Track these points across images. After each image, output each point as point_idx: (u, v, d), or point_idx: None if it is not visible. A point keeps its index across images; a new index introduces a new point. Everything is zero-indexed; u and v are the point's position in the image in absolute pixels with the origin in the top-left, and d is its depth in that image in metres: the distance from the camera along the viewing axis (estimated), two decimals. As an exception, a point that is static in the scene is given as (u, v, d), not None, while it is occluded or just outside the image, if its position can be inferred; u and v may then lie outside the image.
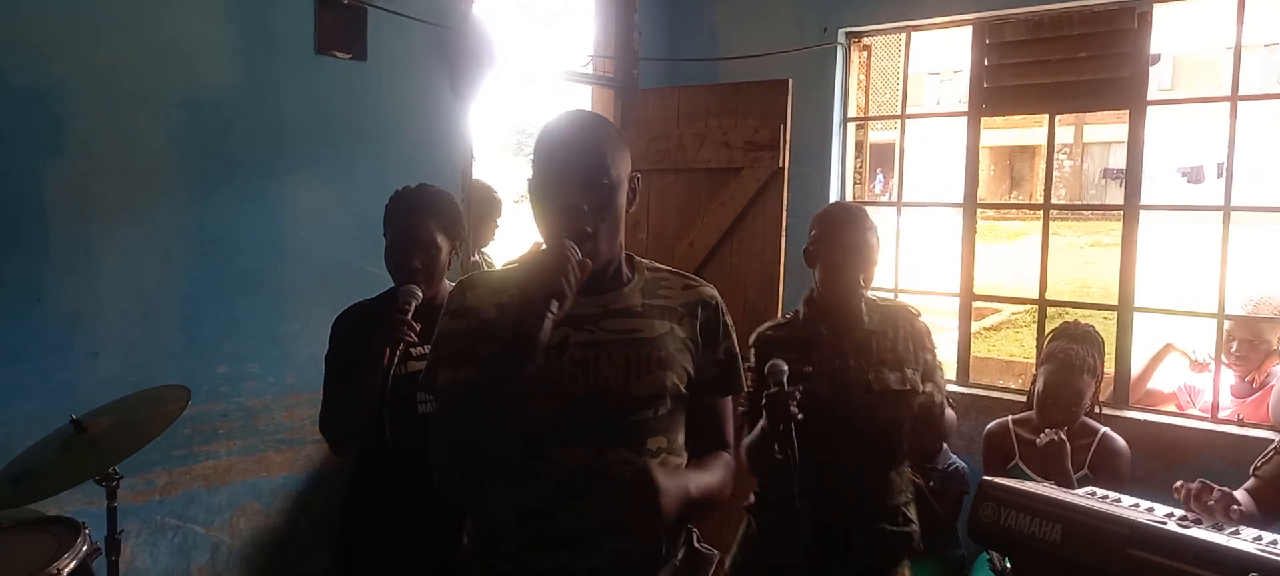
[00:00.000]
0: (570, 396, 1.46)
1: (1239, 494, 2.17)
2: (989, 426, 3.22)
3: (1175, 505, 2.03)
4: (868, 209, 2.59)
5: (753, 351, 2.50)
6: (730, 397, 1.66)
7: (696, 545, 1.64)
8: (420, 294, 2.14)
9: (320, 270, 3.26)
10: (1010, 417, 3.16)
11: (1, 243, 2.60)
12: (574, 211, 1.47)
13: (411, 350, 2.18)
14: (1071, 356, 2.93)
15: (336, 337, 2.28)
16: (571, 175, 1.48)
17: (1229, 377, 3.49)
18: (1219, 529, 1.87)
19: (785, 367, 1.83)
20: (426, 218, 2.24)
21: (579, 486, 1.49)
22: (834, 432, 2.32)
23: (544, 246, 1.49)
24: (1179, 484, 2.11)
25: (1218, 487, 2.07)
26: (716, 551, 1.67)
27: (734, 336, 1.66)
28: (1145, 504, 2.03)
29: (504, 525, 1.56)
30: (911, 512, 2.51)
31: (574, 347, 1.48)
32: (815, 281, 2.49)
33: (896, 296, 4.27)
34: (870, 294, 2.51)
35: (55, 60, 2.66)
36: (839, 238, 2.42)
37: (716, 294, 1.66)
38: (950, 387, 3.51)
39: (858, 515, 2.41)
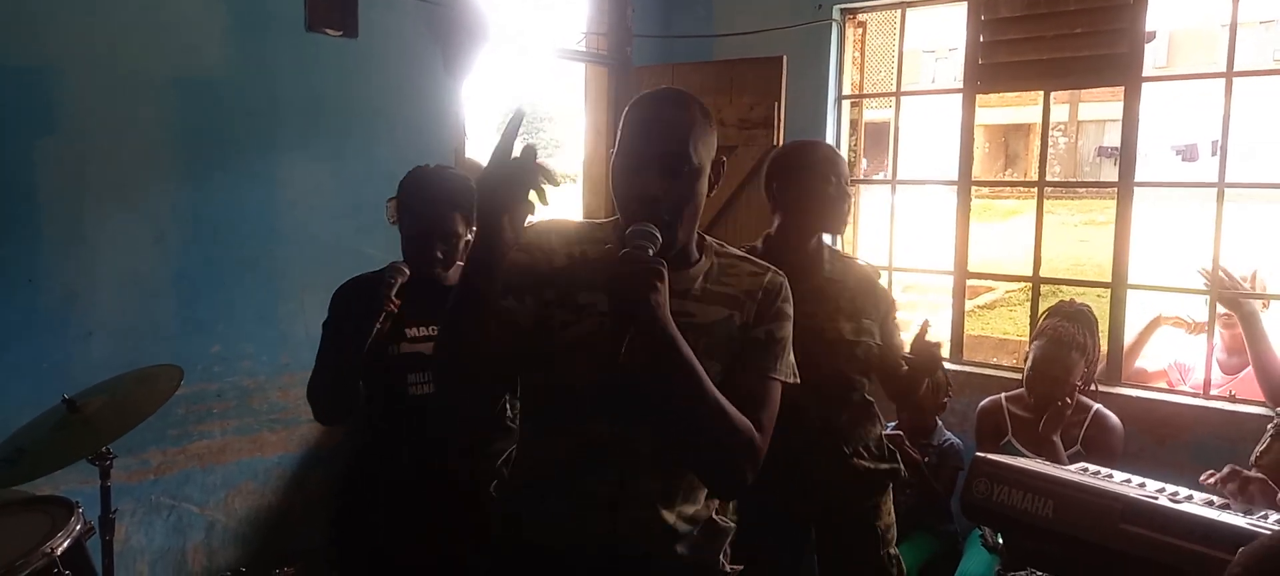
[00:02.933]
0: (614, 366, 1.41)
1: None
2: (982, 403, 3.24)
3: (1167, 480, 2.04)
4: (834, 153, 2.51)
5: None
6: (770, 382, 1.53)
7: (714, 517, 1.64)
8: (407, 272, 2.14)
9: (314, 250, 3.25)
10: (1003, 395, 3.18)
11: (-8, 223, 2.59)
12: (651, 201, 1.44)
13: (405, 331, 2.17)
14: (1061, 333, 2.95)
15: (333, 308, 2.27)
16: (649, 161, 1.45)
17: (1220, 352, 3.50)
18: (1249, 513, 1.87)
19: (649, 233, 1.41)
20: (450, 209, 2.21)
21: (603, 456, 1.49)
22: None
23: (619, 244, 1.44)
24: (1208, 475, 2.09)
25: (1248, 472, 2.07)
26: (733, 524, 1.66)
27: (787, 322, 1.57)
28: (1137, 479, 2.04)
29: (526, 479, 1.58)
30: (885, 449, 2.50)
31: (611, 321, 1.43)
32: (773, 224, 2.44)
33: (891, 274, 4.28)
34: (832, 245, 2.48)
35: (47, 40, 2.64)
36: (795, 182, 2.36)
37: (782, 279, 1.60)
38: (945, 365, 3.55)
39: (822, 456, 2.39)
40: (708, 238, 1.62)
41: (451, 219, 2.20)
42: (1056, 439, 2.86)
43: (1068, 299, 3.18)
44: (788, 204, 2.38)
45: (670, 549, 1.55)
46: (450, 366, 1.49)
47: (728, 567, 1.65)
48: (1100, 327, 3.17)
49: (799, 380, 1.60)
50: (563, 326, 1.49)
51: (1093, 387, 3.04)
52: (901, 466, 2.52)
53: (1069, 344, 2.93)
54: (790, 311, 1.58)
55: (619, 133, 1.51)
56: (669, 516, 1.54)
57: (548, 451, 1.55)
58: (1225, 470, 2.07)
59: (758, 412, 1.49)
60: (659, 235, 1.40)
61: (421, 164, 2.33)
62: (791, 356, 1.58)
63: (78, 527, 2.12)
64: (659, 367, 1.39)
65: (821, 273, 2.38)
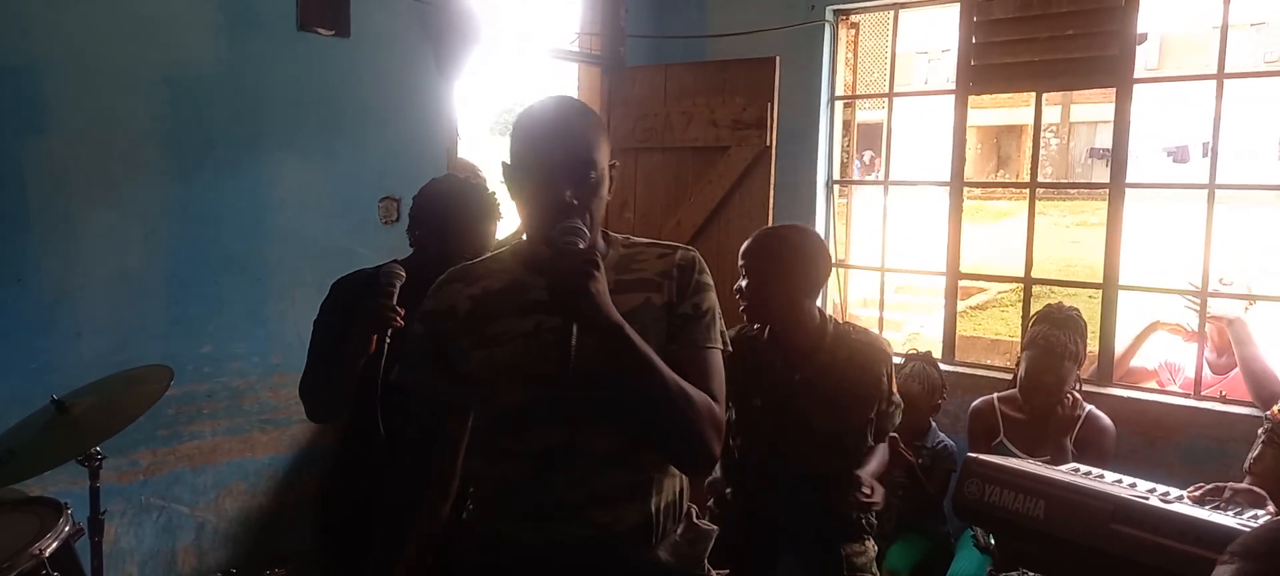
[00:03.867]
0: (544, 380, 1.44)
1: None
2: (974, 404, 3.24)
3: (1157, 481, 2.05)
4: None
5: None
6: (708, 352, 1.55)
7: (696, 520, 1.64)
8: (403, 274, 2.13)
9: (305, 249, 3.24)
10: (996, 395, 3.19)
11: (-20, 222, 2.57)
12: (563, 207, 1.45)
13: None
14: (1052, 343, 2.96)
15: (333, 307, 2.25)
16: (558, 169, 1.47)
17: (1209, 353, 3.52)
18: (1239, 513, 1.88)
19: (577, 228, 1.44)
20: (488, 222, 2.22)
21: (557, 463, 1.50)
22: (773, 461, 2.35)
23: (526, 237, 1.50)
24: (1194, 489, 2.09)
25: (1234, 486, 2.08)
26: (716, 527, 1.66)
27: (708, 292, 1.59)
28: (1128, 480, 2.04)
29: (488, 501, 1.59)
30: (868, 522, 2.48)
31: (547, 331, 1.46)
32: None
33: (883, 276, 4.29)
34: (837, 324, 2.42)
35: (34, 37, 2.62)
36: (764, 275, 2.33)
37: (693, 254, 1.62)
38: (939, 366, 3.55)
39: (797, 522, 2.41)
40: (612, 232, 1.64)
41: (489, 232, 2.23)
42: (1066, 441, 2.87)
43: (1057, 302, 3.19)
44: (762, 296, 2.36)
45: (652, 552, 1.55)
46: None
47: (711, 571, 1.64)
48: (1090, 328, 3.18)
49: (732, 348, 1.63)
50: (482, 362, 1.52)
51: (1078, 387, 3.05)
52: (872, 512, 2.48)
53: (1062, 354, 2.93)
54: (710, 282, 1.60)
55: (515, 144, 1.53)
56: (642, 511, 1.54)
57: (504, 473, 1.55)
58: (1210, 486, 2.08)
59: (707, 383, 1.52)
60: (585, 230, 1.43)
61: (435, 177, 2.32)
62: (721, 325, 1.60)
63: (67, 529, 2.11)
64: (610, 356, 1.40)
65: (817, 361, 2.35)
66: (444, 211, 2.21)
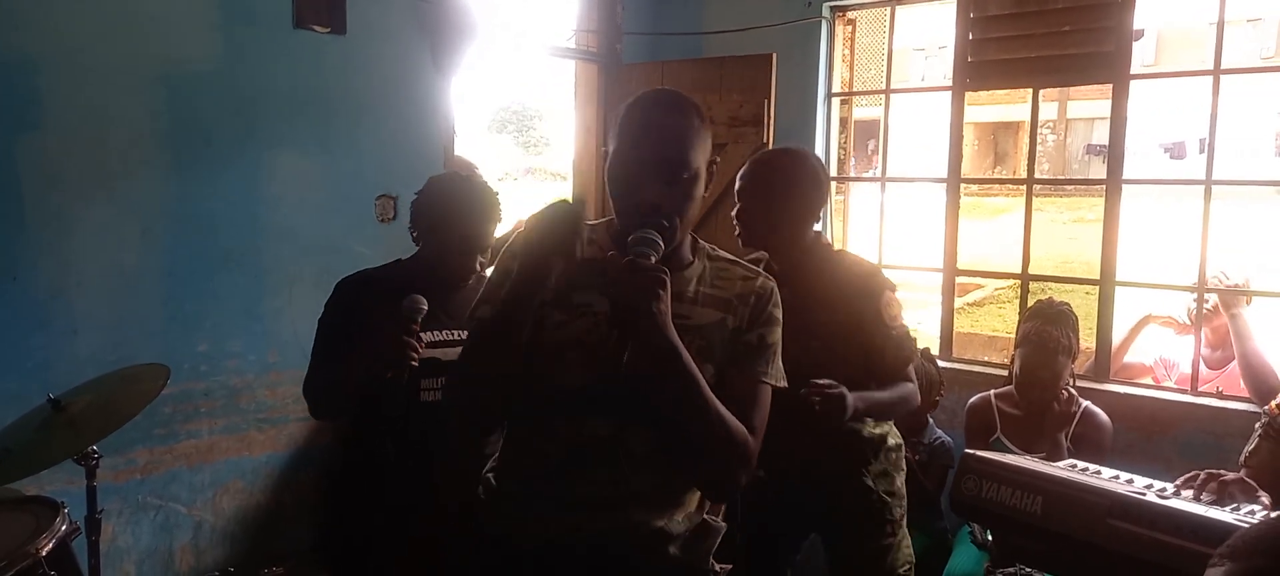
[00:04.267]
0: (600, 367, 1.44)
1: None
2: (971, 400, 3.24)
3: (1154, 476, 2.05)
4: (819, 165, 2.43)
5: None
6: (762, 385, 1.55)
7: (706, 516, 1.64)
8: (425, 306, 2.08)
9: (301, 247, 3.23)
10: (993, 392, 3.19)
11: (-25, 220, 2.56)
12: (651, 207, 1.44)
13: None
14: (1045, 338, 2.97)
15: (337, 306, 2.22)
16: (650, 166, 1.46)
17: (1204, 349, 3.52)
18: (1236, 508, 1.88)
19: (652, 240, 1.43)
20: (488, 222, 2.21)
21: (596, 456, 1.49)
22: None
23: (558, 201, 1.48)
24: (1185, 478, 2.08)
25: (1226, 475, 2.07)
26: (724, 525, 1.66)
27: (777, 327, 1.58)
28: (1125, 475, 2.04)
29: (519, 480, 1.57)
30: (886, 483, 2.45)
31: (612, 330, 1.44)
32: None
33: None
34: (830, 246, 2.39)
35: (27, 33, 2.61)
36: (754, 200, 2.31)
37: (772, 285, 1.61)
38: (937, 362, 3.55)
39: (806, 492, 2.38)
40: (700, 240, 1.63)
41: (490, 231, 2.22)
42: (1061, 437, 2.88)
43: (1047, 298, 3.20)
44: (754, 222, 2.34)
45: (662, 550, 1.55)
46: (477, 396, 1.52)
47: (716, 568, 1.65)
48: (1088, 324, 3.18)
49: (787, 384, 1.61)
50: (557, 326, 1.49)
51: (1074, 382, 3.05)
52: (893, 505, 2.44)
53: (1055, 349, 2.94)
54: (780, 316, 1.60)
55: (615, 134, 1.51)
56: (661, 518, 1.54)
57: (541, 451, 1.54)
58: (1202, 475, 2.08)
59: (751, 416, 1.51)
60: (661, 242, 1.41)
61: (435, 175, 2.30)
62: (780, 361, 1.60)
63: (63, 528, 2.10)
64: (661, 376, 1.40)
65: (814, 276, 2.33)
66: (444, 210, 2.19)
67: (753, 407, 1.52)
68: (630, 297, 1.35)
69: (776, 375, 1.58)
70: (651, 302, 1.34)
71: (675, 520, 1.56)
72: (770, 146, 3.86)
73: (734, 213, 2.37)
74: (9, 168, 2.62)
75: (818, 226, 2.47)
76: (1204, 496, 1.93)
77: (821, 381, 2.18)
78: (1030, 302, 3.52)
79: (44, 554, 1.99)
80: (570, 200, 1.44)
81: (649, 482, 1.52)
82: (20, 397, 2.37)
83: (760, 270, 1.62)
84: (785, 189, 2.32)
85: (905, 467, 2.52)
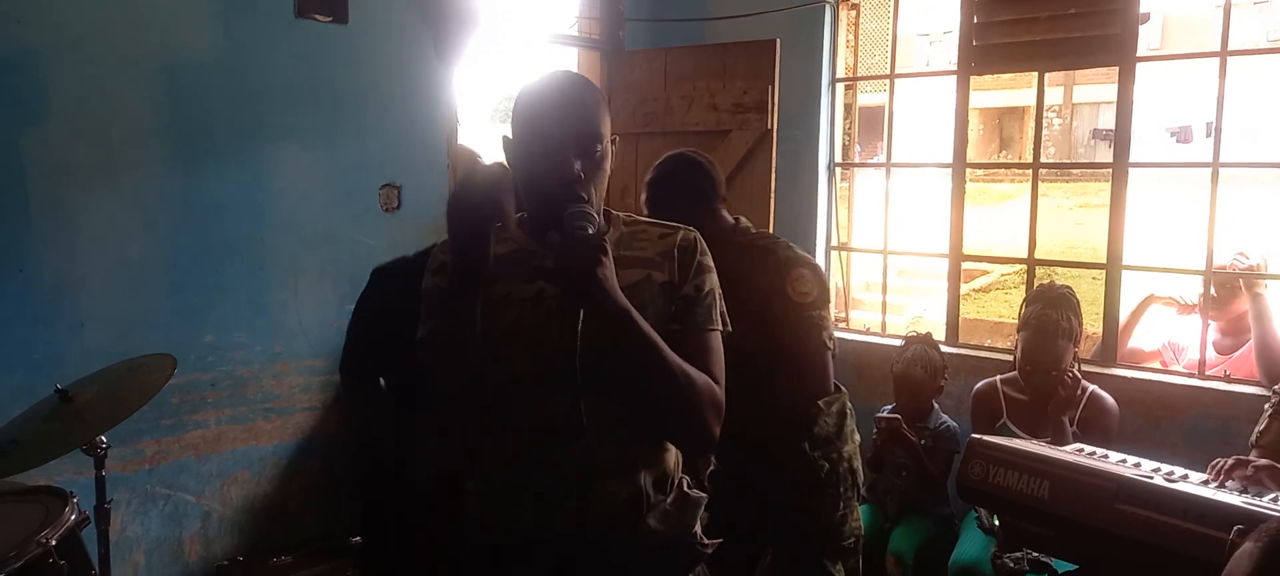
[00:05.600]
0: (544, 350, 1.47)
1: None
2: (977, 386, 3.25)
3: (1161, 460, 2.04)
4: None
5: None
6: (709, 333, 1.57)
7: (686, 489, 1.65)
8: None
9: (306, 237, 3.23)
10: (999, 377, 3.19)
11: (-19, 213, 2.57)
12: (570, 181, 1.46)
13: None
14: (1045, 322, 2.98)
15: (371, 294, 2.21)
16: (565, 143, 1.48)
17: (1214, 334, 3.51)
18: (1245, 491, 1.87)
19: (586, 213, 1.44)
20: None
21: (558, 436, 1.50)
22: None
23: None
24: (1215, 465, 2.08)
25: (1257, 461, 2.07)
26: (705, 495, 1.67)
27: (710, 274, 1.61)
28: (1132, 459, 2.04)
29: (488, 478, 1.58)
30: (828, 449, 2.40)
31: (549, 299, 1.48)
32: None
33: (886, 258, 4.28)
34: (748, 232, 2.42)
35: (29, 26, 2.61)
36: (666, 207, 2.35)
37: (695, 234, 1.63)
38: (941, 348, 3.55)
39: (748, 471, 2.34)
40: (614, 211, 1.65)
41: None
42: (1066, 421, 2.89)
43: (1049, 281, 3.20)
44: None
45: (642, 521, 1.55)
46: (455, 399, 1.51)
47: (704, 539, 1.65)
48: (1094, 309, 3.18)
49: (731, 328, 1.63)
50: (489, 324, 1.50)
51: (1077, 366, 3.05)
52: (834, 470, 2.39)
53: (1055, 332, 2.96)
54: (711, 263, 1.62)
55: (519, 118, 1.53)
56: (634, 484, 1.54)
57: (505, 442, 1.55)
58: (1231, 460, 2.07)
59: (708, 365, 1.54)
60: (594, 215, 1.44)
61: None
62: (722, 305, 1.62)
63: (72, 518, 2.11)
64: (618, 341, 1.42)
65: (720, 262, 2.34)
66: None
67: (708, 357, 1.55)
68: (577, 268, 1.36)
69: (720, 320, 1.60)
70: (596, 268, 1.36)
71: (650, 484, 1.56)
72: (774, 132, 3.85)
73: None
74: (14, 161, 2.62)
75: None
76: (1229, 483, 1.92)
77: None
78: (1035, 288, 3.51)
79: (53, 543, 2.00)
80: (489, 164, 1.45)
81: (615, 453, 1.53)
82: (28, 389, 2.38)
83: (679, 226, 1.63)
84: (678, 187, 2.40)
85: (854, 433, 2.46)
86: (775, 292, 2.32)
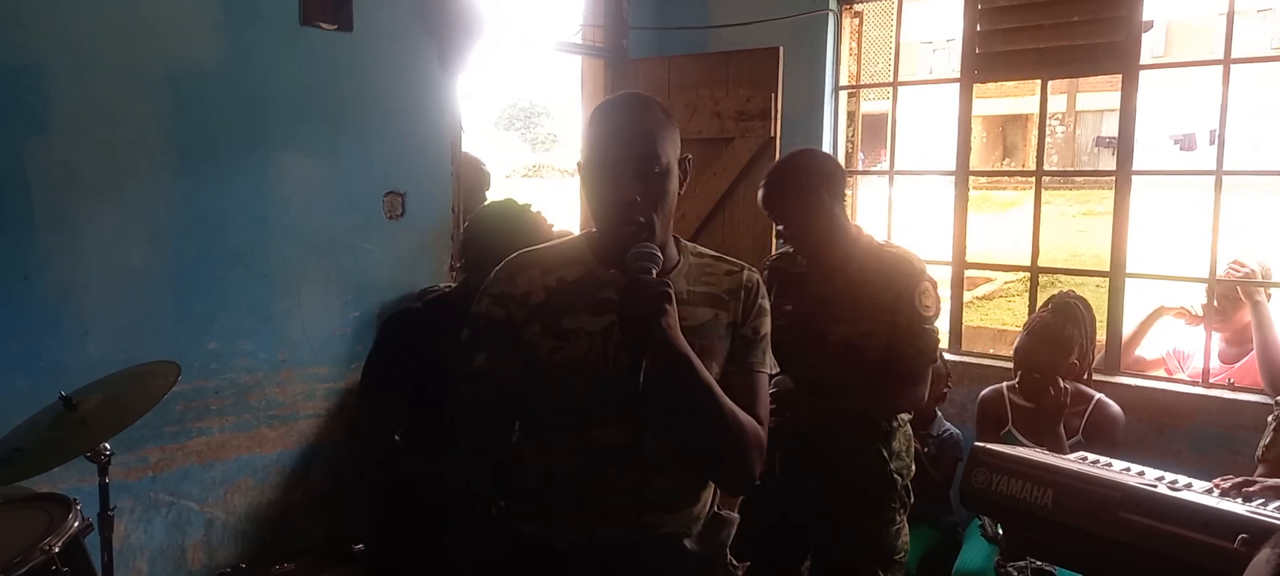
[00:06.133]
0: (611, 381, 1.46)
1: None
2: (983, 393, 3.24)
3: (1165, 469, 2.04)
4: (849, 169, 2.58)
5: (764, 274, 2.53)
6: (759, 375, 1.59)
7: (718, 510, 1.66)
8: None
9: (309, 246, 3.24)
10: (1005, 384, 3.19)
11: (-13, 220, 2.58)
12: (628, 204, 1.46)
13: None
14: (1037, 327, 3.01)
15: (384, 344, 2.21)
16: (624, 165, 1.48)
17: (1218, 343, 3.50)
18: (1249, 500, 1.87)
19: (651, 254, 1.45)
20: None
21: (612, 464, 1.51)
22: (791, 366, 2.34)
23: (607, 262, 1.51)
24: (1219, 482, 2.07)
25: (1264, 482, 2.06)
26: (737, 515, 1.68)
27: (767, 318, 1.63)
28: (1136, 468, 2.04)
29: (533, 491, 1.59)
30: (900, 464, 2.46)
31: (621, 346, 1.45)
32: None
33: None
34: (873, 239, 2.48)
35: (34, 35, 2.62)
36: (779, 212, 2.43)
37: (758, 277, 1.65)
38: (944, 356, 3.54)
39: (820, 469, 2.40)
40: (680, 238, 1.65)
41: None
42: (1059, 429, 2.88)
43: (1068, 290, 3.20)
44: (781, 219, 2.45)
45: (680, 547, 1.57)
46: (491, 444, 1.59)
47: (733, 562, 1.66)
48: (1098, 316, 3.18)
49: (778, 371, 1.66)
50: (552, 352, 1.51)
51: (1087, 376, 3.05)
52: (901, 483, 2.46)
53: (1046, 337, 2.97)
54: (768, 306, 1.64)
55: (586, 141, 1.54)
56: (679, 520, 1.57)
57: (555, 466, 1.56)
58: (1239, 479, 2.06)
59: (755, 407, 1.55)
60: (659, 254, 1.43)
61: (488, 204, 2.29)
62: (770, 350, 1.65)
63: (76, 525, 2.11)
64: (676, 387, 1.43)
65: (845, 274, 2.40)
66: (496, 240, 2.15)
67: (755, 399, 1.56)
68: (639, 314, 1.37)
69: (770, 363, 1.63)
70: (660, 317, 1.37)
71: (691, 519, 1.59)
72: (777, 140, 3.86)
73: (778, 232, 2.51)
74: (19, 170, 2.62)
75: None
76: (1238, 497, 1.91)
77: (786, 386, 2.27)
78: (1040, 296, 3.51)
79: (57, 550, 2.00)
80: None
81: (666, 487, 1.54)
82: (33, 397, 2.38)
83: (744, 264, 1.65)
84: (789, 186, 2.42)
85: (913, 463, 2.52)
86: (904, 301, 2.37)
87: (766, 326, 1.62)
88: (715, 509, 1.66)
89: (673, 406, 1.45)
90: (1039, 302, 3.30)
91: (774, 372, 1.66)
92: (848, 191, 4.46)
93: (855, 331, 2.37)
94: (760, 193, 2.48)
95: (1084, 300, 3.13)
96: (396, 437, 2.30)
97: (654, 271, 1.40)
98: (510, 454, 1.61)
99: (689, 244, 1.65)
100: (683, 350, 1.41)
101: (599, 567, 1.53)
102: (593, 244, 1.59)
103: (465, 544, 2.00)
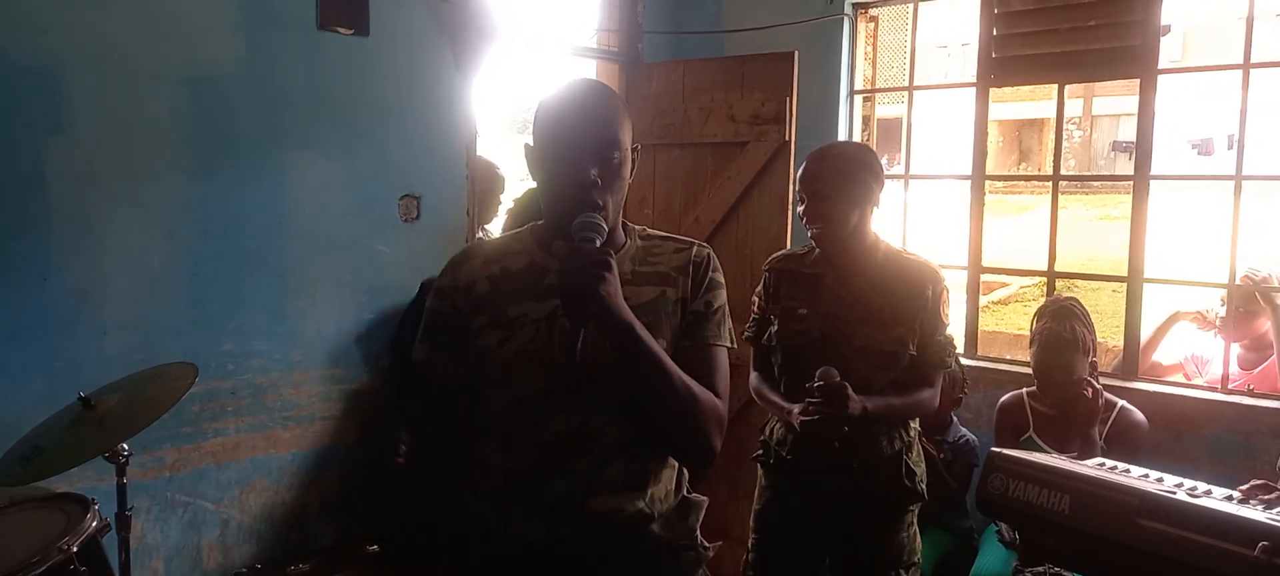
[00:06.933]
0: (559, 366, 1.47)
1: None
2: (1002, 399, 3.22)
3: (1184, 475, 2.02)
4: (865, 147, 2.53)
5: (765, 274, 2.55)
6: (715, 349, 1.58)
7: (687, 493, 1.66)
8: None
9: (325, 247, 3.25)
10: (1025, 390, 3.17)
11: (7, 222, 2.59)
12: (587, 187, 1.47)
13: None
14: (1050, 336, 2.99)
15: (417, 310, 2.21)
16: (583, 149, 1.48)
17: (1237, 348, 3.47)
18: (1270, 506, 1.84)
19: (595, 224, 1.46)
20: None
21: (566, 452, 1.51)
22: (814, 371, 2.34)
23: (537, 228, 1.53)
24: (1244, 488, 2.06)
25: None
26: (705, 498, 1.69)
27: (720, 291, 1.62)
28: (1155, 474, 2.02)
29: (493, 486, 1.59)
30: (909, 465, 2.46)
31: (563, 319, 1.47)
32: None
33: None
34: (891, 246, 2.47)
35: (54, 37, 2.65)
36: (819, 187, 2.38)
37: (707, 251, 1.64)
38: (960, 360, 3.52)
39: (843, 465, 2.39)
40: (629, 222, 1.66)
41: None
42: (1093, 433, 2.88)
43: (1053, 296, 3.20)
44: (816, 207, 2.40)
45: (645, 530, 1.57)
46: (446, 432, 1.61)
47: (703, 542, 1.65)
48: (1115, 321, 3.16)
49: (736, 346, 1.65)
50: (500, 343, 1.51)
51: (1095, 375, 3.03)
52: (922, 489, 2.48)
53: (1061, 344, 2.95)
54: (722, 280, 1.64)
55: (540, 124, 1.54)
56: (639, 501, 1.55)
57: (511, 459, 1.56)
58: (1260, 483, 2.04)
59: (713, 381, 1.55)
60: (604, 225, 1.44)
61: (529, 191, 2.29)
62: (729, 324, 1.63)
63: (93, 524, 2.13)
64: (621, 355, 1.42)
65: (867, 278, 2.39)
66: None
67: (712, 373, 1.55)
68: (578, 283, 1.37)
69: (727, 337, 1.61)
70: (598, 284, 1.36)
71: (655, 500, 1.57)
72: (792, 144, 3.85)
73: (800, 212, 2.44)
74: (38, 170, 2.65)
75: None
76: (1254, 500, 1.89)
77: (833, 380, 2.22)
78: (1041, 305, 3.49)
79: (75, 550, 2.02)
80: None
81: (621, 468, 1.53)
82: (51, 397, 2.40)
83: (694, 241, 1.65)
84: (838, 169, 2.38)
85: (898, 442, 2.49)
86: (929, 309, 2.39)
87: (720, 299, 1.61)
88: (685, 493, 1.65)
89: (621, 378, 1.45)
90: (1030, 319, 3.28)
91: (732, 347, 1.64)
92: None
93: (886, 337, 2.37)
94: (805, 166, 2.43)
95: (1074, 298, 3.13)
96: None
97: (597, 242, 1.41)
98: (464, 448, 1.61)
99: (638, 227, 1.66)
100: (625, 317, 1.40)
101: (563, 557, 1.53)
102: (536, 233, 1.60)
103: (411, 515, 2.01)
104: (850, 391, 2.22)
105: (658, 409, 1.48)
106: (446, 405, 1.59)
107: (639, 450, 1.55)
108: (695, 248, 1.64)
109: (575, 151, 1.48)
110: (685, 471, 1.67)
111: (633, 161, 1.57)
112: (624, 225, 1.64)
